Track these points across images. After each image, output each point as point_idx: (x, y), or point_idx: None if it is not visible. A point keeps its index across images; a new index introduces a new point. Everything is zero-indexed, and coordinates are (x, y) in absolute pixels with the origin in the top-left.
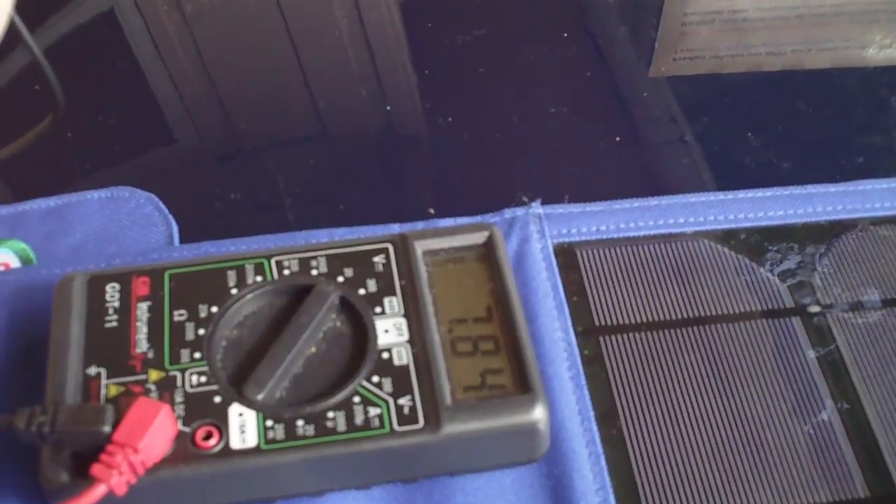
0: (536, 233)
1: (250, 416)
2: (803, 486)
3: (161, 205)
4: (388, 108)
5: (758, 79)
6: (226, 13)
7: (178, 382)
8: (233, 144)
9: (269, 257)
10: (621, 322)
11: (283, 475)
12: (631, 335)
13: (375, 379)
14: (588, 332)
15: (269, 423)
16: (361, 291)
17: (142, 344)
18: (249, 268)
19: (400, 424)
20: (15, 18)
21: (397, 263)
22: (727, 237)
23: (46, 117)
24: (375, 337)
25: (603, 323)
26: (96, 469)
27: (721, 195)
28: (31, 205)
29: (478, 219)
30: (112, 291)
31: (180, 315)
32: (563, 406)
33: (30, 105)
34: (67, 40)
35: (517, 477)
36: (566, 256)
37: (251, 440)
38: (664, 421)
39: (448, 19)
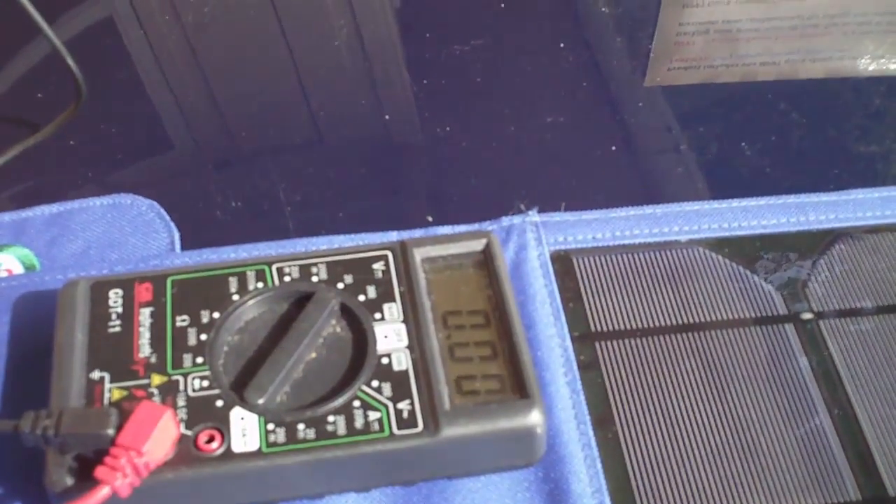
0: (534, 240)
1: (252, 419)
2: (796, 489)
3: (163, 212)
4: (387, 117)
5: (752, 88)
6: (227, 22)
7: (181, 387)
8: (234, 153)
9: (270, 264)
10: (617, 328)
11: (285, 478)
12: (627, 341)
13: (375, 384)
14: (584, 337)
15: (271, 426)
16: (361, 298)
17: (144, 349)
18: (251, 274)
19: (399, 428)
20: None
21: (396, 270)
22: (721, 245)
23: (70, 106)
24: (375, 342)
25: (599, 329)
26: (100, 471)
27: (715, 204)
28: (35, 211)
29: (476, 226)
30: (115, 297)
31: (182, 321)
32: (560, 410)
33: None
34: (69, 47)
35: (514, 480)
36: (563, 263)
37: (253, 443)
38: (660, 425)
39: (446, 30)
